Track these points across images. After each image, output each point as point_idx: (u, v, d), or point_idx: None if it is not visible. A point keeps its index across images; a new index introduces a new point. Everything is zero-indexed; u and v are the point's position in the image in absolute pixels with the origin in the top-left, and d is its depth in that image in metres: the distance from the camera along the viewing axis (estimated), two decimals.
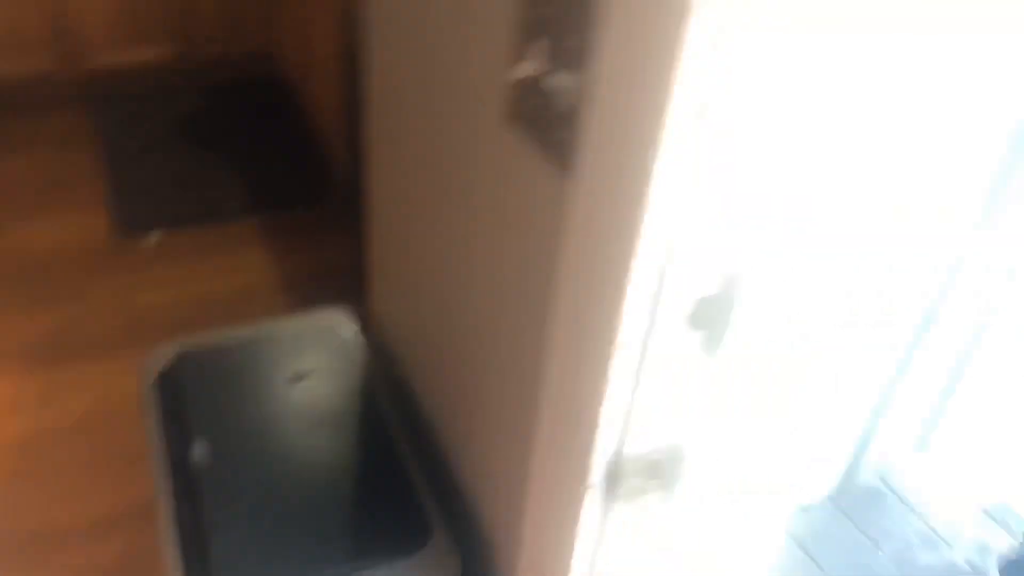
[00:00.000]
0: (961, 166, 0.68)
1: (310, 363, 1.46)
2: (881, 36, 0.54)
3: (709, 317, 0.59)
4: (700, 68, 0.49)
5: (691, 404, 0.66)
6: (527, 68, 0.68)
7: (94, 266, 2.06)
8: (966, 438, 2.06)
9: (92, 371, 1.79)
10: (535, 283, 0.77)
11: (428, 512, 1.20)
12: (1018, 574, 1.66)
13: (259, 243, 2.19)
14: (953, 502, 2.02)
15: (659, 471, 0.69)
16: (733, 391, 0.64)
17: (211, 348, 1.48)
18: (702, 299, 0.58)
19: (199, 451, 1.27)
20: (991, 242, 1.48)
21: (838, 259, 0.65)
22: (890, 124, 0.59)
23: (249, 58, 2.69)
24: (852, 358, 0.80)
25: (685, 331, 0.59)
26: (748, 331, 0.62)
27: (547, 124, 0.70)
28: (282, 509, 1.22)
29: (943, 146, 0.64)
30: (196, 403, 1.37)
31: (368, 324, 1.68)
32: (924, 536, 1.91)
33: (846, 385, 0.87)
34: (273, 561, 1.15)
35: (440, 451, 1.41)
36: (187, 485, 1.24)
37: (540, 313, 0.75)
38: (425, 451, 1.45)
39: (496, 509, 1.13)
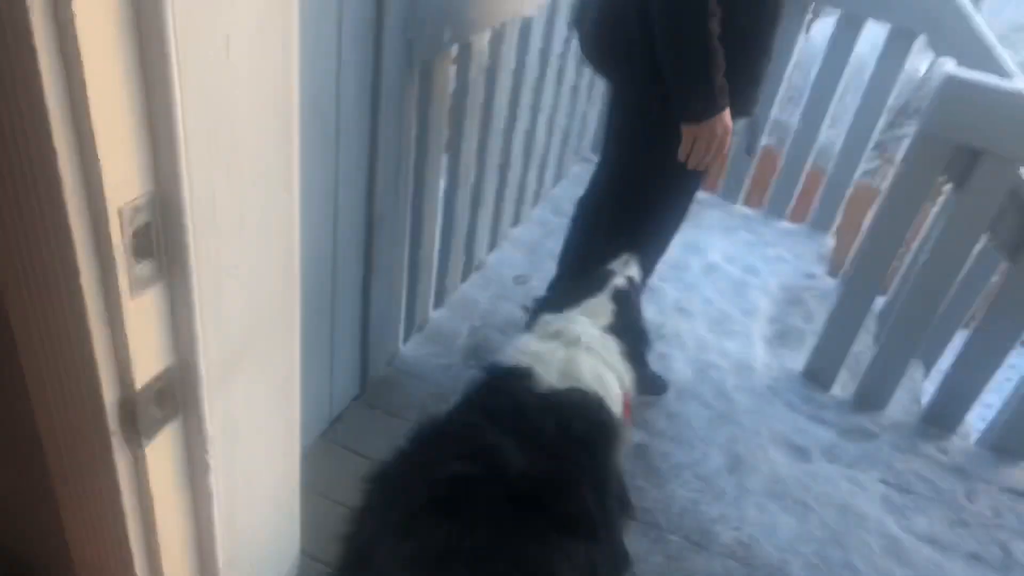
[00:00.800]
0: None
1: None
2: None
3: (155, 244, 0.67)
4: None
5: (179, 323, 0.74)
6: None
7: None
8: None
9: None
10: None
11: None
12: None
13: None
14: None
15: (170, 397, 0.76)
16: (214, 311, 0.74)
17: None
18: (139, 228, 0.66)
19: None
20: None
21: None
22: None
23: None
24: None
25: (137, 262, 0.67)
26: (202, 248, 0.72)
27: None
28: None
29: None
30: None
31: None
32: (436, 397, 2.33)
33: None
34: None
35: None
36: None
37: None
38: None
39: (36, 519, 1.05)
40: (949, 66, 2.13)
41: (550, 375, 1.42)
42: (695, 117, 1.71)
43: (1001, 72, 2.58)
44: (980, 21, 2.74)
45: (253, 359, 0.86)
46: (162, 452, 0.79)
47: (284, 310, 0.88)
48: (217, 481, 0.85)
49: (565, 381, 1.41)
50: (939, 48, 2.81)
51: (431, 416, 1.43)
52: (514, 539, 1.16)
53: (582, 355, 1.46)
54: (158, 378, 0.74)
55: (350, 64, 1.63)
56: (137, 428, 0.74)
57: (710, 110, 1.70)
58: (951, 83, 2.01)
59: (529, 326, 1.64)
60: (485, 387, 1.44)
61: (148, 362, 0.73)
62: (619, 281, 1.70)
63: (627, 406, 1.56)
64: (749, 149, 2.12)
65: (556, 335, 1.50)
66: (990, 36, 2.73)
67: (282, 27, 0.71)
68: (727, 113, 1.72)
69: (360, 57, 1.66)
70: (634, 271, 1.78)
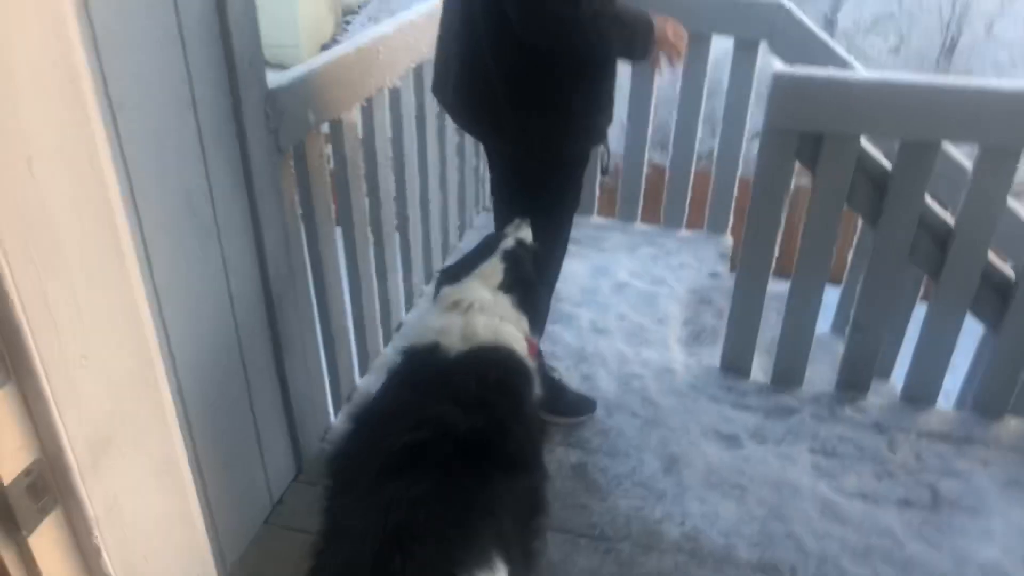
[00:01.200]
0: None
1: None
2: None
3: None
4: None
5: (37, 418, 0.81)
6: None
7: None
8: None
9: None
10: None
11: None
12: None
13: None
14: None
15: (44, 488, 0.82)
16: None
17: None
18: None
19: None
20: None
21: None
22: None
23: None
24: None
25: None
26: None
27: None
28: None
29: None
30: None
31: None
32: None
33: None
34: None
35: None
36: None
37: None
38: None
39: None
40: (776, 64, 2.33)
41: (455, 342, 1.63)
42: (650, 50, 1.94)
43: (838, 62, 2.81)
44: (809, 22, 2.99)
45: (125, 439, 0.92)
46: (48, 541, 0.85)
47: (148, 389, 0.95)
48: (111, 562, 0.91)
49: (468, 343, 1.63)
50: (779, 51, 3.04)
51: (364, 400, 1.63)
52: (466, 483, 1.37)
53: (477, 317, 1.68)
54: (27, 472, 0.81)
55: (217, 159, 1.72)
56: (16, 522, 0.80)
57: (649, 37, 1.92)
58: (779, 79, 2.20)
59: (434, 298, 1.85)
60: (404, 367, 1.66)
61: (13, 459, 0.79)
62: (507, 243, 1.92)
63: (531, 345, 1.78)
64: (605, 169, 2.27)
65: (454, 306, 1.72)
66: (820, 33, 2.98)
67: (85, 144, 0.81)
68: (657, 19, 1.94)
69: (226, 151, 1.75)
70: (525, 233, 1.99)
